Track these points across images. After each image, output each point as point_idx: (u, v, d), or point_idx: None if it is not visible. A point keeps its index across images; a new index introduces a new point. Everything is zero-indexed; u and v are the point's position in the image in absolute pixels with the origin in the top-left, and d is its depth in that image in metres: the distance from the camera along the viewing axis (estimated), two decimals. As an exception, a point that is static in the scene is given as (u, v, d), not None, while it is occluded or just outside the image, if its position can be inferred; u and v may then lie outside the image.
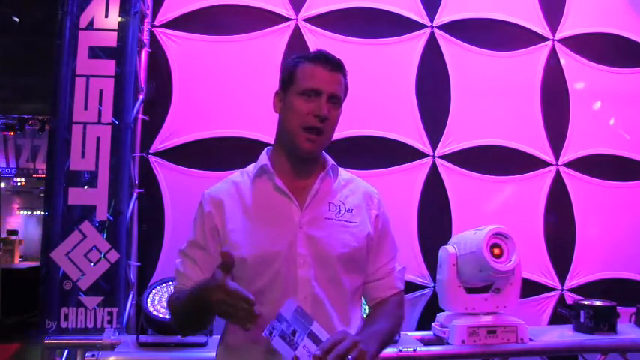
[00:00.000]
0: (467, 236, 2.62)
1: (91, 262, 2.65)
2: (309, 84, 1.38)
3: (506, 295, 2.62)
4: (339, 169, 1.52)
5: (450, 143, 3.19)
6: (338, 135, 2.94)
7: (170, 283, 2.59)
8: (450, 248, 2.64)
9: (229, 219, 1.41)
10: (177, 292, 1.45)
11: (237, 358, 1.39)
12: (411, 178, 3.12)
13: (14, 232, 10.99)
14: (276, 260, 1.35)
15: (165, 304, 2.52)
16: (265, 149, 1.51)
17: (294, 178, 1.44)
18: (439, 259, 2.69)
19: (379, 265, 1.50)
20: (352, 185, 1.50)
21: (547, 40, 3.38)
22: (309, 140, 1.38)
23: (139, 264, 2.89)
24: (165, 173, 2.97)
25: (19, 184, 12.17)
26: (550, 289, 3.22)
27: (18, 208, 12.86)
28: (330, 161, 1.49)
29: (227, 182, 1.50)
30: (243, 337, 1.34)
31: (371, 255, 1.48)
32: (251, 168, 1.50)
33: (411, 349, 2.44)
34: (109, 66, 2.78)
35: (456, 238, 2.72)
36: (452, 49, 3.25)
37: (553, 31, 3.39)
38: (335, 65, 1.41)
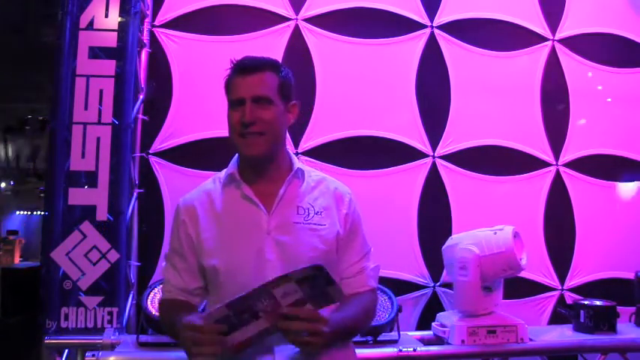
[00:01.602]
0: (485, 236, 2.58)
1: (91, 262, 2.65)
2: (231, 96, 1.43)
3: (497, 295, 2.64)
4: (310, 169, 1.53)
5: (450, 143, 3.18)
6: (338, 135, 2.99)
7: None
8: (473, 249, 2.53)
9: (202, 227, 1.44)
10: (165, 300, 1.51)
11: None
12: (411, 178, 3.12)
13: (14, 232, 10.98)
14: (246, 267, 1.37)
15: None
16: (236, 155, 1.52)
17: (260, 183, 1.45)
18: (459, 260, 2.56)
19: (349, 263, 1.49)
20: (322, 186, 1.51)
21: (547, 40, 3.38)
22: (248, 145, 1.40)
23: (139, 264, 2.89)
24: (165, 173, 2.97)
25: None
26: (550, 289, 3.22)
27: (18, 208, 12.86)
28: (297, 164, 1.50)
29: (199, 190, 1.52)
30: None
31: (340, 254, 1.47)
32: (222, 174, 1.52)
33: (411, 349, 2.44)
34: (109, 66, 2.78)
35: (469, 239, 2.61)
36: (452, 49, 3.25)
37: (553, 31, 3.39)
38: (252, 68, 1.41)
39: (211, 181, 1.52)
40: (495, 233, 2.58)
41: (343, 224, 1.48)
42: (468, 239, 2.62)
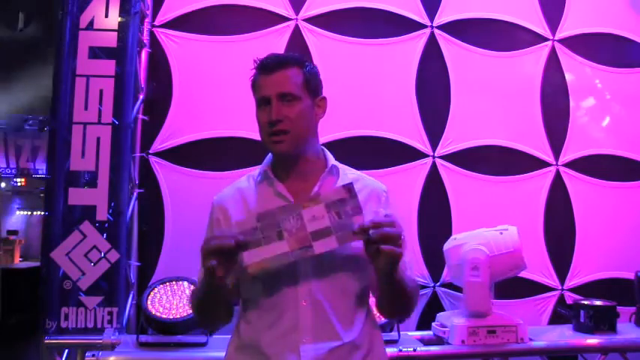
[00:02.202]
0: (492, 237, 2.58)
1: (91, 262, 2.65)
2: (257, 95, 1.42)
3: (492, 295, 2.65)
4: (346, 167, 1.50)
5: (450, 143, 3.19)
6: (338, 135, 2.99)
7: (170, 283, 2.60)
8: (484, 249, 2.53)
9: (234, 226, 1.40)
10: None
11: (252, 356, 1.37)
12: (411, 178, 3.12)
13: (14, 232, 10.98)
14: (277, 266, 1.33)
15: (165, 304, 2.52)
16: (270, 154, 1.50)
17: (293, 180, 1.43)
18: (471, 261, 2.52)
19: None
20: (358, 184, 1.44)
21: (547, 40, 3.38)
22: (277, 142, 1.39)
23: (139, 264, 2.89)
24: (165, 173, 2.97)
25: (19, 184, 12.15)
26: (550, 289, 3.22)
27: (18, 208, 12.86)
28: (331, 161, 1.48)
29: (233, 188, 1.50)
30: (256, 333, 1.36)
31: None
32: (256, 171, 1.50)
33: (411, 349, 2.44)
34: (109, 66, 2.78)
35: (476, 239, 2.59)
36: (452, 49, 3.25)
37: (553, 31, 3.39)
38: (275, 65, 1.40)
39: (245, 179, 1.51)
40: (501, 233, 2.58)
41: None
42: (475, 239, 2.60)
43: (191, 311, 1.54)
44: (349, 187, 1.26)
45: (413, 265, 1.51)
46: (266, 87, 1.39)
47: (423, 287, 3.06)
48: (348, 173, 1.49)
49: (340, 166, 1.50)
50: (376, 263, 1.25)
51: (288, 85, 1.38)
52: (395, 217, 1.29)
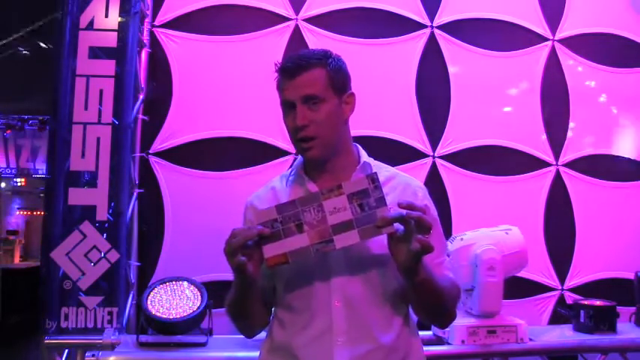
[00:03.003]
0: (500, 237, 2.59)
1: (91, 262, 2.65)
2: (282, 99, 1.37)
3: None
4: (381, 165, 1.47)
5: (450, 143, 3.19)
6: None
7: (170, 283, 2.59)
8: (497, 249, 2.54)
9: (255, 218, 1.36)
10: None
11: (285, 358, 1.34)
12: (411, 178, 3.12)
13: (14, 232, 10.98)
14: (309, 265, 1.31)
15: (165, 304, 2.52)
16: None
17: (325, 179, 1.39)
18: (487, 261, 2.51)
19: (426, 259, 1.33)
20: (393, 181, 1.44)
21: (547, 40, 3.38)
22: (305, 149, 1.35)
23: (139, 264, 2.89)
24: (165, 173, 2.97)
25: (19, 184, 12.15)
26: (550, 289, 3.22)
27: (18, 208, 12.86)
28: (364, 158, 1.44)
29: (266, 188, 1.48)
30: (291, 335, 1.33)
31: None
32: (289, 171, 1.48)
33: (411, 349, 2.43)
34: (109, 66, 2.78)
35: (486, 239, 2.58)
36: (452, 49, 3.25)
37: (553, 31, 3.39)
38: (295, 69, 1.35)
39: (278, 179, 1.49)
40: (507, 233, 2.59)
41: None
42: (484, 239, 2.58)
43: (228, 317, 1.48)
44: (373, 177, 1.20)
45: (450, 266, 1.47)
46: (289, 91, 1.35)
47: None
48: (382, 170, 1.44)
49: (374, 162, 1.47)
50: (398, 257, 1.20)
51: (311, 87, 1.33)
52: (429, 208, 1.25)
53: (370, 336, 1.30)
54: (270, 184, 1.48)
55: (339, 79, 1.37)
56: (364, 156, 1.45)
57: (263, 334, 1.47)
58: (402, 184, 1.44)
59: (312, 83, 1.33)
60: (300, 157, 1.46)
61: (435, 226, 1.35)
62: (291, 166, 1.51)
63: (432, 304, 1.34)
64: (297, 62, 1.36)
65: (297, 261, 1.23)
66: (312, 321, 1.31)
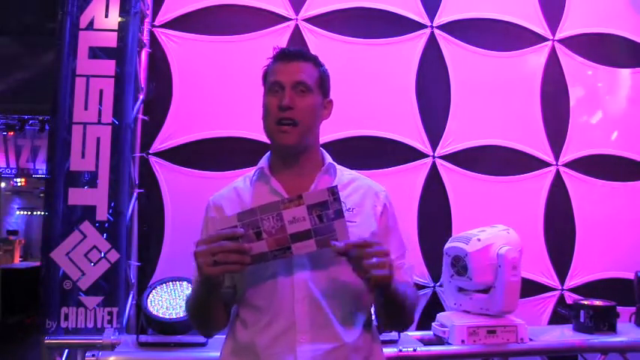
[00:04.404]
0: (506, 237, 2.60)
1: (91, 262, 2.65)
2: (270, 80, 1.42)
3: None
4: (343, 168, 1.50)
5: (450, 143, 3.18)
6: (338, 135, 3.00)
7: (170, 283, 2.60)
8: (509, 249, 2.56)
9: (218, 225, 1.40)
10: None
11: (248, 358, 1.35)
12: (411, 178, 3.12)
13: (14, 232, 10.98)
14: (272, 263, 1.32)
15: (165, 304, 2.52)
16: (267, 152, 1.51)
17: (290, 178, 1.42)
18: (511, 261, 2.52)
19: None
20: (355, 183, 1.47)
21: (547, 40, 3.38)
22: (283, 132, 1.38)
23: (139, 264, 2.89)
24: (165, 173, 2.97)
25: (19, 184, 12.15)
26: (550, 289, 3.22)
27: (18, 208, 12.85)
28: (328, 160, 1.48)
29: (229, 188, 1.50)
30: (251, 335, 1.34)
31: None
32: (253, 171, 1.50)
33: (411, 349, 2.44)
34: (109, 66, 2.78)
35: (501, 239, 2.60)
36: (452, 49, 3.25)
37: (553, 31, 3.39)
38: (294, 55, 1.43)
39: (242, 179, 1.51)
40: (508, 232, 2.61)
41: (378, 222, 1.43)
42: (498, 239, 2.60)
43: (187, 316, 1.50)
44: (333, 190, 1.24)
45: (413, 269, 1.51)
46: (282, 73, 1.41)
47: (424, 287, 3.06)
48: (345, 173, 1.49)
49: (338, 166, 1.50)
50: (364, 279, 1.22)
51: (304, 75, 1.40)
52: (387, 210, 1.34)
53: (333, 334, 1.32)
54: (232, 185, 1.51)
55: (325, 83, 1.47)
56: (328, 158, 1.48)
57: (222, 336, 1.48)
58: (364, 187, 1.47)
59: (305, 72, 1.41)
60: (265, 155, 1.48)
61: (393, 228, 1.46)
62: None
63: (397, 314, 1.39)
64: (296, 51, 1.46)
65: (256, 264, 1.26)
66: (275, 320, 1.32)
